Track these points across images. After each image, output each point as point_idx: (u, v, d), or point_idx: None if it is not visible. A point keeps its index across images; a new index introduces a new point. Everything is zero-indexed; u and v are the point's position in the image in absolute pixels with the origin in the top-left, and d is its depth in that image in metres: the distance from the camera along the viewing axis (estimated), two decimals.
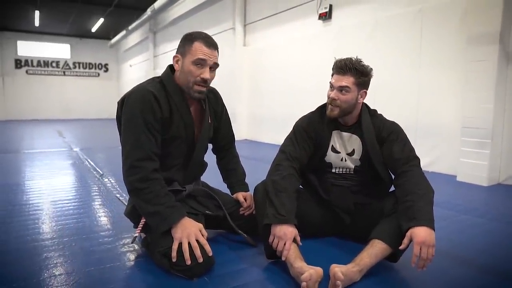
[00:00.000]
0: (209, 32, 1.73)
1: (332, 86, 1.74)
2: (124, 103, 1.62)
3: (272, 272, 1.58)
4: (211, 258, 1.51)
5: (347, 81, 1.69)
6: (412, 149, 1.73)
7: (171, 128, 1.66)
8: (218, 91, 1.94)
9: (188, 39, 1.63)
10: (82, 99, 16.28)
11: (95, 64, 16.96)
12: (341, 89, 1.70)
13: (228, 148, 2.05)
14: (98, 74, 17.10)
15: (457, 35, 3.78)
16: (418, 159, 1.71)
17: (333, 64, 1.76)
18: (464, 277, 1.58)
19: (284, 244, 1.51)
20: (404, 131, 1.80)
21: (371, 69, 1.74)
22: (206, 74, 1.62)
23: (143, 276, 1.55)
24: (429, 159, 4.11)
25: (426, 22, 4.09)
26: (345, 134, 1.82)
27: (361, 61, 1.72)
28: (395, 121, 1.83)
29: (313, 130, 1.82)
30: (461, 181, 3.63)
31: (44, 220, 2.31)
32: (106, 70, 17.27)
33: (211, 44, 1.63)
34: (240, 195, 1.92)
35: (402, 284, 1.55)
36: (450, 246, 1.92)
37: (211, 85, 1.76)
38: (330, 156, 1.84)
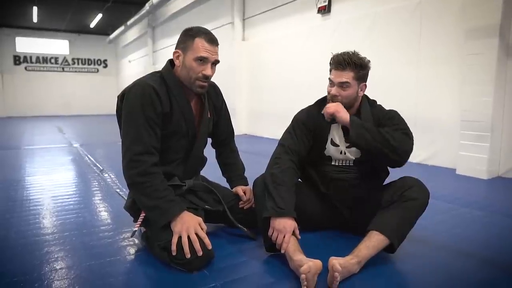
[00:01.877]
0: (208, 27, 1.73)
1: (331, 82, 1.73)
2: (125, 97, 1.62)
3: (271, 265, 1.58)
4: (210, 251, 1.52)
5: (347, 76, 1.67)
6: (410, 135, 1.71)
7: (171, 123, 1.66)
8: (218, 86, 1.94)
9: (189, 35, 1.62)
10: (82, 95, 16.24)
11: (94, 60, 16.90)
12: (341, 84, 1.69)
13: (228, 142, 2.05)
14: (97, 70, 17.06)
15: (456, 28, 3.76)
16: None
17: (330, 59, 1.74)
18: (463, 269, 1.59)
19: (284, 237, 1.52)
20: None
21: (369, 61, 1.73)
22: (208, 71, 1.63)
23: (143, 270, 1.56)
24: (429, 152, 4.11)
25: (425, 15, 4.07)
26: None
27: (358, 55, 1.71)
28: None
29: (312, 123, 1.82)
30: (461, 175, 3.63)
31: (44, 215, 2.31)
32: (105, 66, 17.21)
33: (213, 40, 1.64)
34: (239, 189, 1.93)
35: (401, 276, 1.55)
36: (450, 239, 1.92)
37: (211, 79, 1.76)
38: (330, 149, 1.84)
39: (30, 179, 3.40)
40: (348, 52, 1.70)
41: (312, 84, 5.59)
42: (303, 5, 6.06)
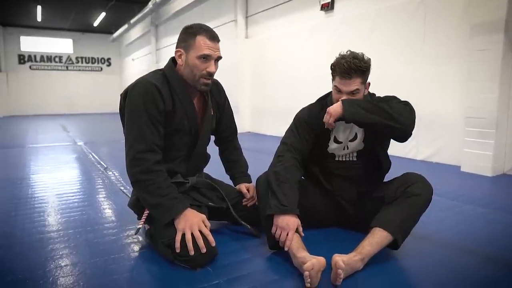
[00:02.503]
0: (211, 24, 1.73)
1: (339, 91, 1.68)
2: (127, 96, 1.62)
3: (275, 262, 1.59)
4: (214, 248, 1.53)
5: (355, 84, 1.64)
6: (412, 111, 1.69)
7: (174, 120, 1.67)
8: (220, 83, 1.94)
9: (190, 33, 1.62)
10: (86, 93, 16.31)
11: (98, 58, 16.96)
12: (351, 92, 1.66)
13: (231, 139, 2.05)
14: (101, 69, 17.11)
15: (460, 24, 3.73)
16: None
17: (333, 65, 1.68)
18: (467, 267, 1.58)
19: (287, 234, 1.52)
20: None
21: (369, 59, 1.68)
22: (212, 68, 1.64)
23: (147, 267, 1.57)
24: (433, 149, 4.10)
25: (429, 11, 4.05)
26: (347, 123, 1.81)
27: (360, 56, 1.65)
28: None
29: (314, 121, 1.81)
30: (465, 172, 3.61)
31: (49, 213, 2.33)
32: (109, 64, 17.27)
33: (214, 37, 1.64)
34: (242, 186, 1.93)
35: (404, 272, 1.55)
36: (453, 236, 1.92)
37: (214, 76, 1.76)
38: (332, 147, 1.83)
39: (34, 177, 3.42)
40: (351, 57, 1.64)
41: (315, 81, 5.58)
42: (306, 2, 6.04)
